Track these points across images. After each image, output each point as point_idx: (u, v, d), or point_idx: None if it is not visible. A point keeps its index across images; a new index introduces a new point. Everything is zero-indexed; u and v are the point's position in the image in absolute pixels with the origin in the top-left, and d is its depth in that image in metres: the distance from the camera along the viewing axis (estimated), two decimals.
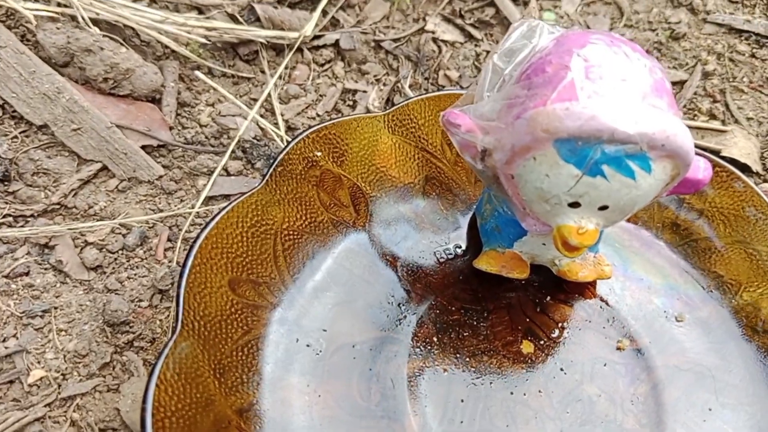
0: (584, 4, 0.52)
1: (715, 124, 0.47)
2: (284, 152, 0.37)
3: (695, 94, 0.48)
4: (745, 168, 0.45)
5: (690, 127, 0.46)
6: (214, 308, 0.32)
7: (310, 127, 0.38)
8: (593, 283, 0.38)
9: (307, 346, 0.34)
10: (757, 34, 0.51)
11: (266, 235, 0.35)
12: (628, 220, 0.39)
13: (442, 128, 0.38)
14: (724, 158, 0.44)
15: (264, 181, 0.36)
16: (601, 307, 0.37)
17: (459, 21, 0.50)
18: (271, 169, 0.36)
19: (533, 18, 0.33)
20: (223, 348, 0.32)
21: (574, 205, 0.29)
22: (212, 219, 0.33)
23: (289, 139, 0.40)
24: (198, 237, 0.32)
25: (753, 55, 0.51)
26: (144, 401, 0.27)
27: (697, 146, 0.37)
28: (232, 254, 0.34)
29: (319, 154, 0.38)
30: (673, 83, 0.49)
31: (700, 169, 0.31)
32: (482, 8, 0.51)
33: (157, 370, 0.28)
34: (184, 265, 0.31)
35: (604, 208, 0.29)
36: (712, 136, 0.46)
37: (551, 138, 0.27)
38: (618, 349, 0.36)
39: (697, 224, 0.40)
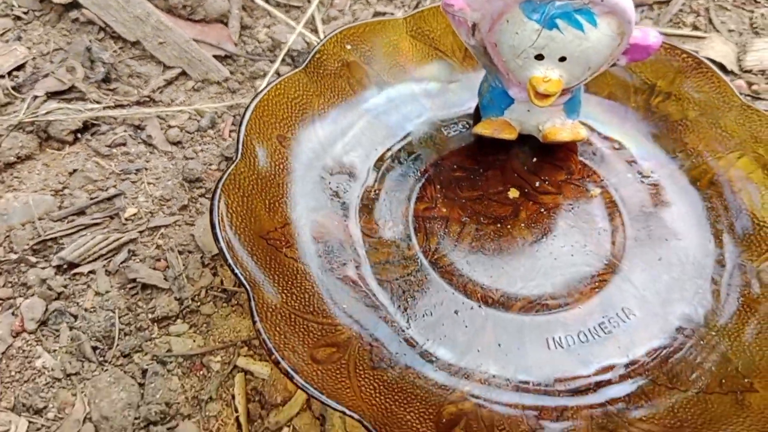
0: None
1: (698, 33, 0.54)
2: (320, 44, 0.46)
3: (680, 10, 0.55)
4: (721, 67, 0.51)
5: (671, 35, 0.53)
6: (266, 153, 0.42)
7: (343, 25, 0.47)
8: (574, 148, 0.46)
9: (328, 183, 0.43)
10: None
11: (306, 106, 0.45)
12: (608, 97, 0.47)
13: (452, 30, 0.48)
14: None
15: (304, 65, 0.45)
16: (579, 166, 0.45)
17: None
18: (310, 58, 0.46)
19: None
20: (269, 179, 0.41)
21: (539, 57, 0.37)
22: (265, 87, 0.43)
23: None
24: (255, 97, 0.42)
25: None
26: (212, 199, 0.37)
27: (677, 47, 0.45)
28: (279, 117, 0.44)
29: (348, 47, 0.47)
30: (660, 2, 0.56)
31: (650, 36, 0.39)
32: None
33: (222, 181, 0.38)
34: (242, 118, 0.41)
35: (563, 59, 0.37)
36: (692, 42, 0.53)
37: (517, 0, 0.36)
38: (591, 197, 0.44)
39: (670, 105, 0.47)
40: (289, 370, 0.32)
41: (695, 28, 0.54)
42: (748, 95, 0.51)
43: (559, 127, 0.44)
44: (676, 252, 0.41)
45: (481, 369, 0.36)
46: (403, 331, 0.37)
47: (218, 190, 0.38)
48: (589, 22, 0.36)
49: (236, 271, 0.35)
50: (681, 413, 0.34)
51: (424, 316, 0.38)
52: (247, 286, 0.35)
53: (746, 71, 0.52)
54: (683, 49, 0.46)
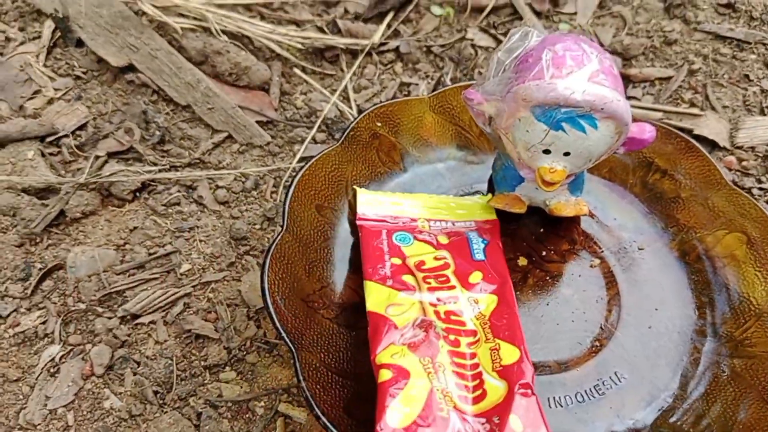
0: (595, 17, 0.66)
1: (694, 111, 0.59)
2: (354, 122, 0.52)
3: (680, 87, 0.61)
4: (714, 144, 0.57)
5: (670, 112, 0.59)
6: (306, 222, 0.48)
7: (374, 104, 0.53)
8: (577, 221, 0.51)
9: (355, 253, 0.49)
10: (738, 40, 0.63)
11: (341, 178, 0.51)
12: (608, 178, 0.53)
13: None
14: (696, 136, 0.57)
15: (340, 142, 0.51)
16: (582, 237, 0.51)
17: (492, 31, 0.65)
18: (345, 134, 0.52)
19: (527, 26, 0.47)
20: (310, 247, 0.47)
21: (546, 152, 0.43)
22: (307, 164, 0.49)
23: (358, 115, 0.56)
24: (297, 174, 0.48)
25: (734, 57, 0.63)
26: (262, 271, 0.43)
27: (673, 126, 0.51)
28: (318, 189, 0.50)
29: (379, 124, 0.53)
30: (661, 79, 0.61)
31: (646, 131, 0.44)
32: (511, 20, 0.66)
33: (270, 252, 0.44)
34: (287, 192, 0.47)
35: (567, 154, 0.43)
36: (689, 119, 0.58)
37: (528, 105, 0.41)
38: (591, 266, 0.49)
39: (665, 182, 0.52)
40: (328, 424, 0.38)
41: (692, 104, 0.60)
42: (738, 171, 0.56)
43: (564, 204, 0.49)
44: (663, 321, 0.46)
45: None
46: None
47: (267, 260, 0.44)
48: (591, 126, 0.41)
49: (282, 333, 0.41)
50: None
51: None
52: (291, 347, 0.40)
53: (737, 147, 0.57)
54: (678, 133, 0.52)
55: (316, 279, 0.47)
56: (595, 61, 0.42)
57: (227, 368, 0.47)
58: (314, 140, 0.59)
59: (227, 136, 0.59)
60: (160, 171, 0.56)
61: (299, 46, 0.62)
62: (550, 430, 0.36)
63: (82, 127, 0.59)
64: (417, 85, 0.62)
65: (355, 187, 0.50)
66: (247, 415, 0.45)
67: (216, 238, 0.53)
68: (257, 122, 0.59)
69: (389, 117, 0.54)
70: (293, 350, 0.40)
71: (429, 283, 0.44)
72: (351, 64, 0.63)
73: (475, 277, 0.45)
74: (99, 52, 0.62)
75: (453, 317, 0.42)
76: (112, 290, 0.50)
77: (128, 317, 0.49)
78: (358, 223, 0.48)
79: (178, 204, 0.55)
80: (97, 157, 0.57)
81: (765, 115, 0.59)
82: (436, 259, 0.46)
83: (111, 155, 0.57)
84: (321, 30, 0.64)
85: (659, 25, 0.65)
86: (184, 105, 0.60)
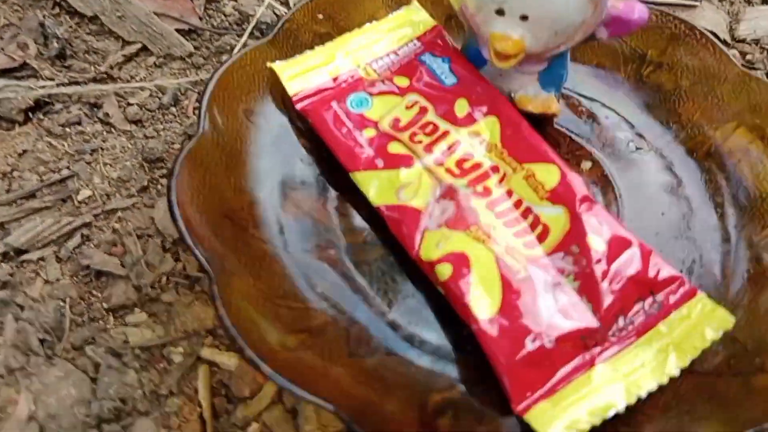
0: None
1: (688, 1, 0.51)
2: (290, 14, 0.43)
3: None
4: (714, 36, 0.49)
5: (662, 3, 0.51)
6: (231, 129, 0.39)
7: None
8: (548, 121, 0.42)
9: (301, 160, 0.40)
10: None
11: (276, 82, 0.41)
12: (597, 66, 0.44)
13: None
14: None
15: (272, 35, 0.42)
16: (568, 140, 0.42)
17: None
18: (278, 28, 0.42)
19: None
20: (235, 155, 0.38)
21: (500, 12, 0.35)
22: (230, 59, 0.40)
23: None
24: (217, 71, 0.39)
25: None
26: (169, 176, 0.34)
27: (670, 14, 0.42)
28: (245, 91, 0.40)
29: (321, 17, 0.44)
30: None
31: (635, 10, 0.36)
32: None
33: (181, 157, 0.35)
34: (204, 90, 0.38)
35: (524, 18, 0.34)
36: (682, 11, 0.50)
37: None
38: (581, 171, 0.41)
39: (662, 75, 0.44)
40: (255, 358, 0.29)
41: None
42: (743, 65, 0.48)
43: (530, 97, 0.40)
44: (674, 226, 0.38)
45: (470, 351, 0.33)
46: (384, 314, 0.34)
47: (177, 166, 0.35)
48: None
49: (196, 252, 0.32)
50: (687, 396, 0.31)
51: (405, 298, 0.35)
52: (208, 268, 0.31)
53: (739, 41, 0.50)
54: (674, 15, 0.44)
55: (245, 194, 0.37)
56: None
57: (136, 310, 0.37)
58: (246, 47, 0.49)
59: (141, 47, 0.49)
60: (58, 86, 0.46)
61: None
62: (631, 231, 0.34)
63: None
64: None
65: (268, 64, 0.41)
66: (160, 365, 0.36)
67: (125, 161, 0.43)
68: (177, 30, 0.50)
69: (334, 10, 0.45)
70: (208, 271, 0.31)
71: (421, 141, 0.38)
72: None
73: (461, 106, 0.39)
74: None
75: (466, 165, 0.37)
76: None
77: (11, 253, 0.39)
78: (298, 107, 0.40)
79: (79, 123, 0.45)
80: None
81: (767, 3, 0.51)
82: (408, 108, 0.39)
83: (0, 73, 0.47)
84: None
85: None
86: (90, 16, 0.50)
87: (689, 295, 0.32)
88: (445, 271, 0.33)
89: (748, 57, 0.49)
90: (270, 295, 0.33)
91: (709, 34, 0.43)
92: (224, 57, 0.49)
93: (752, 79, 0.41)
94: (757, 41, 0.49)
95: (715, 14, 0.50)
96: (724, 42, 0.49)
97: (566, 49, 0.38)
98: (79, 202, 0.41)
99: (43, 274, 0.38)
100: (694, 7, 0.50)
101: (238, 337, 0.29)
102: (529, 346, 0.31)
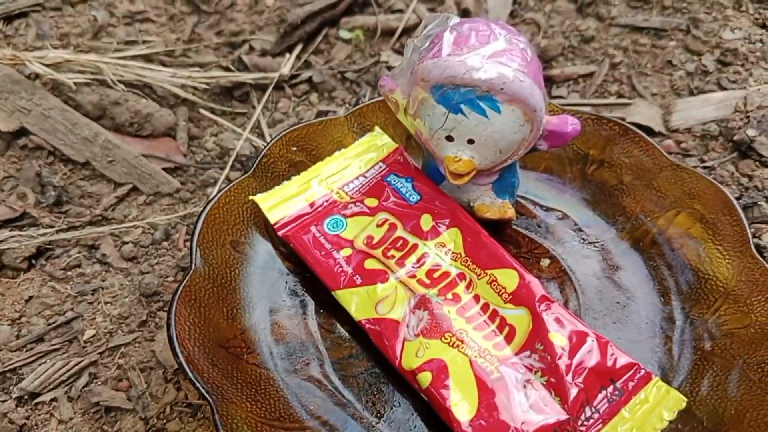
0: (510, 24, 0.64)
1: (623, 101, 0.57)
2: (267, 148, 0.48)
3: (604, 81, 0.59)
4: (649, 130, 0.54)
5: (599, 105, 0.57)
6: (220, 261, 0.42)
7: (286, 127, 0.49)
8: (505, 226, 0.47)
9: (285, 283, 0.43)
10: (655, 29, 0.62)
11: (257, 212, 0.45)
12: (546, 173, 0.49)
13: (391, 122, 0.50)
14: (629, 124, 0.54)
15: (251, 170, 0.47)
16: (527, 240, 0.46)
17: None
18: (257, 162, 0.47)
19: (447, 12, 0.44)
20: (224, 285, 0.42)
21: (449, 138, 0.39)
22: (215, 197, 0.44)
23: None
24: (204, 209, 0.43)
25: (654, 45, 0.61)
26: (168, 317, 0.37)
27: (604, 117, 0.48)
28: (231, 224, 0.44)
29: (294, 149, 0.49)
30: (584, 76, 0.59)
31: (568, 124, 0.41)
32: None
33: (177, 294, 0.38)
34: (194, 228, 0.42)
35: (471, 141, 0.39)
36: (619, 109, 0.56)
37: (427, 86, 0.38)
38: (541, 268, 0.45)
39: (604, 172, 0.49)
40: None
41: (620, 95, 0.58)
42: (679, 153, 0.53)
43: (488, 205, 0.45)
44: (628, 314, 0.42)
45: None
46: (374, 426, 0.37)
47: (174, 304, 0.38)
48: (492, 109, 0.37)
49: (197, 384, 0.35)
50: None
51: (393, 407, 0.38)
52: (210, 400, 0.34)
53: (673, 131, 0.55)
54: (609, 117, 0.49)
55: (238, 322, 0.41)
56: (502, 41, 0.38)
57: None
58: (228, 180, 0.54)
59: (132, 188, 0.53)
60: (57, 232, 0.50)
61: (204, 86, 0.59)
62: (587, 325, 0.37)
63: None
64: (335, 112, 0.58)
65: (251, 197, 0.45)
66: None
67: (124, 298, 0.47)
68: (164, 169, 0.54)
69: (305, 141, 0.49)
70: (210, 402, 0.34)
71: (393, 256, 0.41)
72: (262, 100, 0.60)
73: (426, 221, 0.43)
74: None
75: (435, 275, 0.41)
76: (6, 369, 0.43)
77: (25, 397, 0.42)
78: (280, 234, 0.43)
79: (79, 266, 0.49)
80: None
81: (695, 95, 0.57)
82: (379, 226, 0.43)
83: (2, 224, 0.51)
84: (227, 69, 0.61)
85: (574, 25, 0.63)
86: (82, 162, 0.55)
87: (645, 380, 0.36)
88: (425, 378, 0.36)
89: (683, 145, 0.54)
90: (267, 419, 0.36)
91: (640, 132, 0.48)
92: (209, 189, 0.53)
93: (683, 169, 0.46)
94: (689, 129, 0.55)
95: (648, 109, 0.55)
96: (660, 134, 0.54)
97: (512, 162, 0.42)
98: (85, 342, 0.44)
99: (57, 414, 0.41)
100: (629, 104, 0.56)
101: None
102: None
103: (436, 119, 0.39)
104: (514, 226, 0.47)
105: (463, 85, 0.37)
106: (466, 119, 0.38)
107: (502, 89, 0.36)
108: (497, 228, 0.46)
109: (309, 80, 0.61)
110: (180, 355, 0.36)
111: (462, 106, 0.37)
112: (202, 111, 0.58)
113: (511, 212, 0.45)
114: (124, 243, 0.50)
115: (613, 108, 0.56)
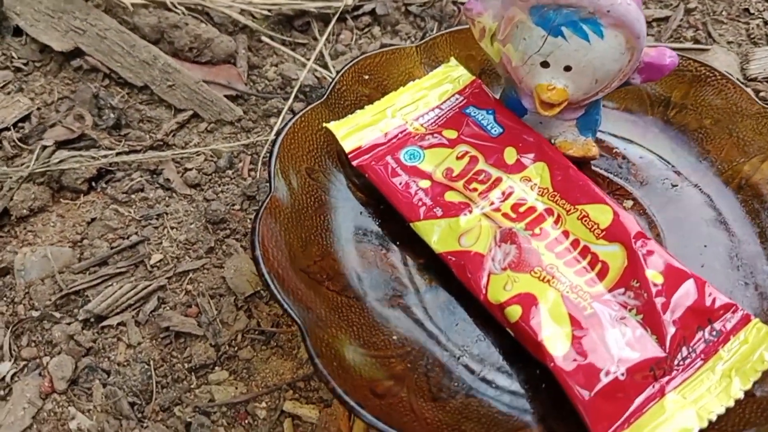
0: None
1: (700, 46, 0.55)
2: (338, 76, 0.46)
3: (679, 26, 0.57)
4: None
5: (675, 50, 0.54)
6: (297, 187, 0.41)
7: (357, 55, 0.47)
8: (587, 164, 0.45)
9: (360, 213, 0.42)
10: None
11: (330, 139, 0.44)
12: (625, 111, 0.47)
13: (464, 55, 0.48)
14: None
15: (324, 98, 0.45)
16: (607, 181, 0.45)
17: None
18: (329, 90, 0.45)
19: None
20: (301, 212, 0.40)
21: (545, 65, 0.38)
22: (290, 122, 0.43)
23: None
24: (279, 135, 0.42)
25: None
26: (252, 237, 0.36)
27: (689, 58, 0.45)
28: (306, 150, 0.43)
29: (366, 77, 0.47)
30: (659, 20, 0.57)
31: (666, 56, 0.39)
32: None
33: (260, 216, 0.37)
34: (271, 152, 0.41)
35: (568, 68, 0.37)
36: (695, 56, 0.54)
37: (526, 6, 0.36)
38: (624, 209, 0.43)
39: (687, 116, 0.47)
40: (355, 406, 0.31)
41: (696, 41, 0.55)
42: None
43: (570, 142, 0.43)
44: (719, 257, 0.41)
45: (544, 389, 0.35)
46: (458, 358, 0.36)
47: (258, 224, 0.37)
48: (595, 33, 0.36)
49: (286, 305, 0.34)
50: (752, 418, 0.33)
51: (477, 342, 0.37)
52: (300, 323, 0.33)
53: (751, 80, 0.53)
54: (693, 59, 0.47)
55: (315, 248, 0.40)
56: None
57: (217, 368, 0.39)
58: (292, 111, 0.52)
59: (193, 114, 0.52)
60: (118, 155, 0.48)
61: (266, 13, 0.56)
62: (681, 263, 0.36)
63: (24, 119, 0.51)
64: (397, 46, 0.56)
65: (325, 125, 0.43)
66: (246, 420, 0.37)
67: (189, 224, 0.45)
68: (226, 96, 0.52)
69: (376, 71, 0.47)
70: (301, 325, 0.33)
71: (476, 189, 0.40)
72: (323, 32, 0.57)
73: (510, 154, 0.41)
74: (41, 39, 0.54)
75: (521, 209, 0.39)
76: (71, 291, 0.41)
77: (92, 320, 0.41)
78: (355, 163, 0.42)
79: (142, 190, 0.47)
80: (44, 148, 0.49)
81: None
82: (459, 158, 0.41)
83: (60, 144, 0.49)
84: None
85: None
86: (140, 86, 0.53)
87: (744, 321, 0.35)
88: (515, 312, 0.35)
89: (762, 94, 0.52)
90: (353, 345, 0.35)
91: (729, 74, 0.46)
92: (272, 120, 0.52)
93: None
94: (767, 78, 0.53)
95: (726, 56, 0.53)
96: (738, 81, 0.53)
97: (602, 96, 0.41)
98: (152, 266, 0.43)
99: (125, 338, 0.40)
100: (707, 50, 0.54)
101: (338, 388, 0.31)
102: (604, 379, 0.33)
103: (532, 43, 0.37)
104: (594, 167, 0.46)
105: (567, 5, 0.35)
106: (566, 43, 0.36)
107: (609, 11, 0.35)
108: (576, 167, 0.44)
109: (372, 12, 0.58)
110: (267, 277, 0.35)
111: (563, 29, 0.36)
112: (263, 39, 0.56)
113: (595, 150, 0.43)
114: (187, 169, 0.48)
115: (690, 53, 0.54)
